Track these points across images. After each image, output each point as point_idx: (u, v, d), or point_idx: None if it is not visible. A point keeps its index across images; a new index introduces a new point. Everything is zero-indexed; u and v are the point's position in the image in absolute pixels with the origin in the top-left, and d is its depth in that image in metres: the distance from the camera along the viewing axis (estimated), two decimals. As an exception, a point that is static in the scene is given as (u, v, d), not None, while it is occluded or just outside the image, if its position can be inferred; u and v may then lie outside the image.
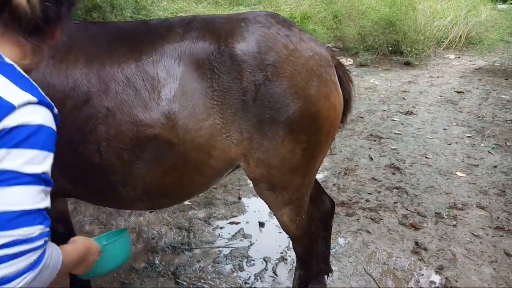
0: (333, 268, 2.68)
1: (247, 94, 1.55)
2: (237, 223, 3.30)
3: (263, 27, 1.62)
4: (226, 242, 3.05)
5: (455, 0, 11.21)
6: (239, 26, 1.62)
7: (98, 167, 1.60)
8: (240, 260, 2.85)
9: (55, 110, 0.98)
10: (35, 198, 0.89)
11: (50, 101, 0.96)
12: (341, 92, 1.74)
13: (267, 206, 1.92)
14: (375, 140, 4.98)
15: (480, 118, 5.82)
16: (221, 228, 3.24)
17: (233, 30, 1.61)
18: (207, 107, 1.56)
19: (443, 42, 10.54)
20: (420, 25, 9.29)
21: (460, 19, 10.55)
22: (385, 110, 6.13)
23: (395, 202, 3.60)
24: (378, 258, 2.88)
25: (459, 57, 10.21)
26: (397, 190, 3.81)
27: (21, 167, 0.87)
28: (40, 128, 0.90)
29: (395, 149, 4.73)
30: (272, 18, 1.69)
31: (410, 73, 8.56)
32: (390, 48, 9.56)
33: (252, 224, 3.28)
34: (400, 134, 5.20)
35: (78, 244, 1.21)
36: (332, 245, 2.78)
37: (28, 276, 0.88)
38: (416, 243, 3.03)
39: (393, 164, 4.34)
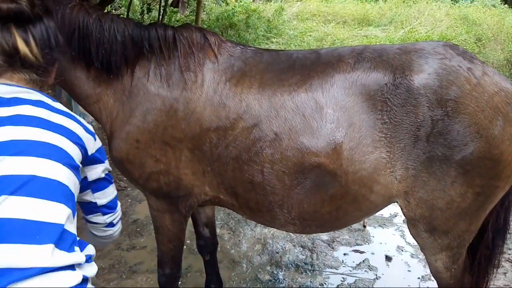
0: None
1: (421, 129, 1.48)
2: (361, 252, 3.17)
3: (444, 59, 1.53)
4: (350, 271, 2.95)
5: None
6: (416, 58, 1.56)
7: (259, 186, 1.69)
8: (365, 293, 2.73)
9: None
10: None
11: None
12: (527, 134, 1.54)
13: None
14: (525, 183, 4.32)
15: None
16: (345, 254, 3.15)
17: (410, 61, 1.55)
18: (374, 139, 1.53)
19: None
20: None
21: None
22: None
23: (554, 260, 3.06)
24: (533, 325, 2.46)
25: None
26: (556, 246, 3.23)
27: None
28: None
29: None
30: (452, 49, 1.59)
31: None
32: (545, 77, 8.28)
33: (378, 256, 3.12)
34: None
35: None
36: (475, 298, 2.47)
37: None
38: None
39: (549, 214, 3.71)
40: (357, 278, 2.86)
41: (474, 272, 1.88)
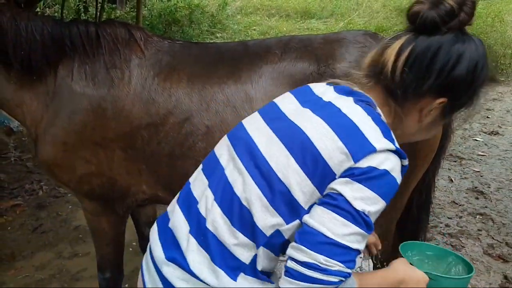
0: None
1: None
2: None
3: (364, 47, 1.61)
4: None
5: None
6: (338, 47, 1.62)
7: None
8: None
9: (406, 161, 0.96)
10: (351, 236, 0.87)
11: (404, 152, 0.95)
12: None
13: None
14: (455, 161, 4.67)
15: None
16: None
17: (332, 51, 1.61)
18: None
19: (534, 56, 9.62)
20: (509, 38, 8.58)
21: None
22: (466, 129, 5.73)
23: (479, 230, 3.34)
24: (462, 290, 2.68)
25: (553, 73, 9.25)
26: (481, 217, 3.53)
27: (354, 200, 0.87)
28: (385, 174, 0.90)
29: (478, 171, 4.40)
30: (371, 38, 1.67)
31: (495, 89, 7.89)
32: (472, 62, 8.94)
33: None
34: (484, 155, 4.82)
35: (394, 272, 1.06)
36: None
37: None
38: (506, 277, 2.78)
39: (476, 188, 4.04)
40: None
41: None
